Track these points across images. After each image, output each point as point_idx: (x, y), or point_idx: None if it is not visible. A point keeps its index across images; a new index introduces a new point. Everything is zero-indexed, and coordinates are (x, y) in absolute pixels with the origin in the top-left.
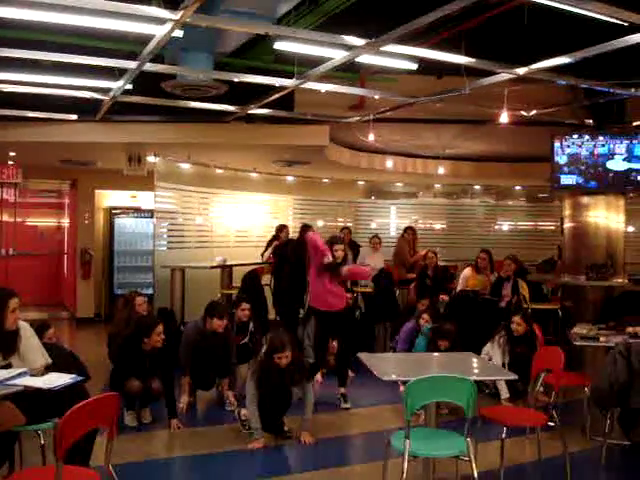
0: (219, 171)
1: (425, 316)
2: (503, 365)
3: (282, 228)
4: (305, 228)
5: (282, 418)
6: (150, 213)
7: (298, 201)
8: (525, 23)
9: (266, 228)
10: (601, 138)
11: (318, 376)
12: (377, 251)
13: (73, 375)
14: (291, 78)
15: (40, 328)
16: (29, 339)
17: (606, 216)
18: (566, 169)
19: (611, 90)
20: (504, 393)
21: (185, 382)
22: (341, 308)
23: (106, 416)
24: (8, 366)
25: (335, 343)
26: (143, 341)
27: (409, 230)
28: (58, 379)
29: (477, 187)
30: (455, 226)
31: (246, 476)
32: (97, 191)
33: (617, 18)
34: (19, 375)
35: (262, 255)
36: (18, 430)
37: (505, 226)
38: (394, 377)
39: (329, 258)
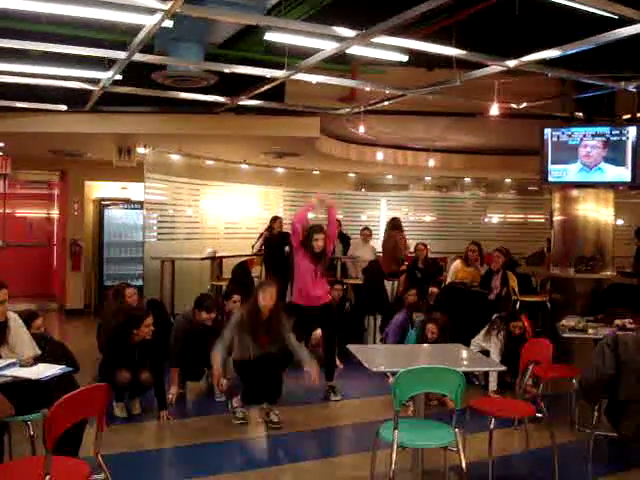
0: (209, 162)
1: (420, 314)
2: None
3: (275, 219)
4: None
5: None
6: (140, 204)
7: (288, 193)
8: (516, 15)
9: (256, 220)
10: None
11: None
12: (367, 243)
13: (62, 366)
14: (282, 69)
15: (28, 318)
16: (18, 330)
17: (595, 209)
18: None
19: (601, 83)
20: (493, 385)
21: (174, 373)
22: (327, 301)
23: (95, 407)
24: None
25: (319, 332)
26: (132, 332)
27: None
28: (47, 370)
29: (467, 180)
30: (445, 218)
31: (236, 466)
32: (87, 182)
33: (607, 11)
34: (8, 366)
35: (252, 247)
36: (7, 421)
37: (495, 218)
38: (383, 368)
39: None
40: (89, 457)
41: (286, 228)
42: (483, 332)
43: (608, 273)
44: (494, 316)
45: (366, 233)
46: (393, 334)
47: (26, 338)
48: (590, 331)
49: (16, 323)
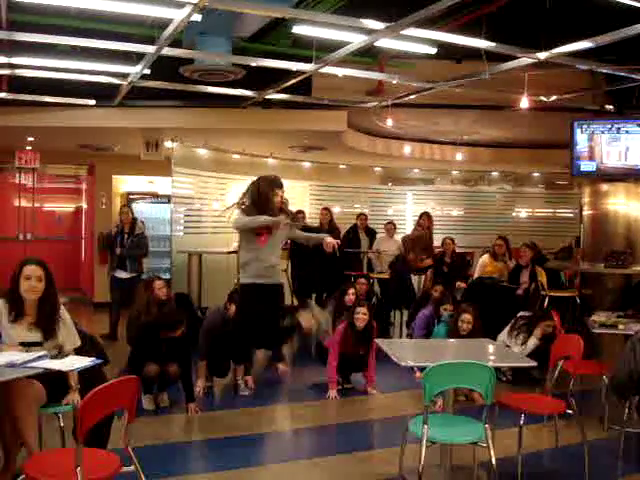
0: (236, 156)
1: (448, 306)
2: None
3: (297, 213)
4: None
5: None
6: (167, 198)
7: (314, 187)
8: (546, 7)
9: None
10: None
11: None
12: (392, 237)
13: (92, 358)
14: (309, 62)
15: None
16: (66, 321)
17: (626, 203)
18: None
19: (632, 75)
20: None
21: (202, 366)
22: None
23: (126, 399)
24: (41, 343)
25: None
26: (165, 332)
27: (424, 216)
28: (78, 361)
29: (495, 174)
30: (472, 213)
31: (263, 460)
32: (114, 176)
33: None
34: (39, 358)
35: None
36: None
37: (523, 213)
38: (412, 363)
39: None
40: (117, 449)
41: (309, 222)
42: (507, 330)
43: (639, 268)
44: (518, 314)
45: (390, 227)
46: (419, 328)
47: (73, 329)
48: (620, 327)
49: (65, 314)
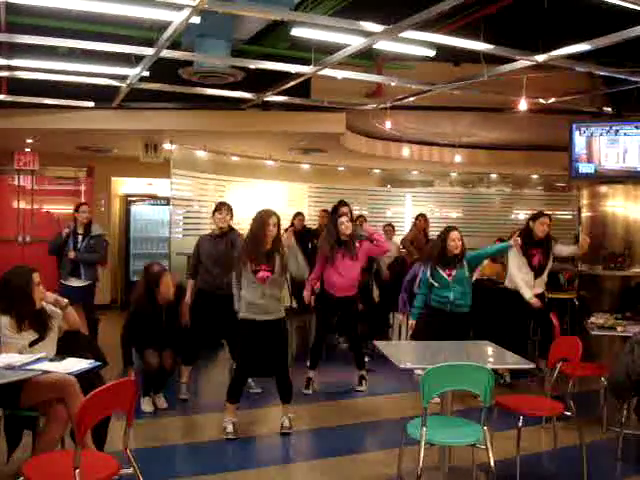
0: (235, 159)
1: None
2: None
3: (296, 215)
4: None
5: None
6: (166, 200)
7: (314, 189)
8: (544, 8)
9: (281, 216)
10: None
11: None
12: (390, 239)
13: (91, 361)
14: (308, 65)
15: None
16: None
17: (624, 205)
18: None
19: (631, 78)
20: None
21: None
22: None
23: (125, 401)
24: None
25: None
26: (156, 295)
27: (420, 217)
28: (76, 364)
29: (493, 176)
30: (471, 215)
31: (263, 462)
32: (113, 178)
33: (638, 4)
34: (37, 360)
35: None
36: (36, 415)
37: (521, 215)
38: (410, 365)
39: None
40: (116, 451)
41: (308, 224)
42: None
43: (637, 270)
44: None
45: (389, 229)
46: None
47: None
48: (619, 329)
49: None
